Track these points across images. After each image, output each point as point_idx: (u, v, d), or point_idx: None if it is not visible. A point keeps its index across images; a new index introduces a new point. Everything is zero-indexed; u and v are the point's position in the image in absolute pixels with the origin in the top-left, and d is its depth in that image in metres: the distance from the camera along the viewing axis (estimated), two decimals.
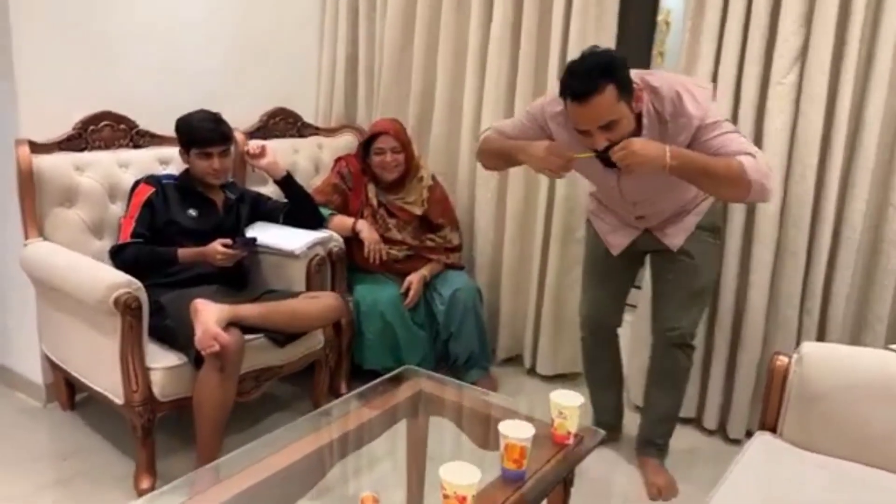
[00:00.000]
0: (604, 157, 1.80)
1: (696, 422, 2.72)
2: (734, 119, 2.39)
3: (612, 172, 1.93)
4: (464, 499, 1.31)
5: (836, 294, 2.35)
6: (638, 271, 2.36)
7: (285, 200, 2.70)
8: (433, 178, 2.94)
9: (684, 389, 2.32)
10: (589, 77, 1.67)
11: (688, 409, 2.68)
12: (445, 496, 1.32)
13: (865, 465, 1.66)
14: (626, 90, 1.72)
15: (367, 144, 2.81)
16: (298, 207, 2.66)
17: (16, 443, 2.36)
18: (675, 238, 2.08)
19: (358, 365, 2.75)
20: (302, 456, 1.70)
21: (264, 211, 2.66)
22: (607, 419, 2.43)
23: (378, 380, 2.03)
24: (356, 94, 3.39)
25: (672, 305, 2.15)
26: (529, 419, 1.82)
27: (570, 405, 1.65)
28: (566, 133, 1.90)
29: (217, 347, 1.99)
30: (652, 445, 2.33)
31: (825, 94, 2.25)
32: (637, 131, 1.80)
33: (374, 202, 2.82)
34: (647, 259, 2.32)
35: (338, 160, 2.95)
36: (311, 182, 3.05)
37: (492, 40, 2.90)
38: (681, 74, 2.30)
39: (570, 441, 1.67)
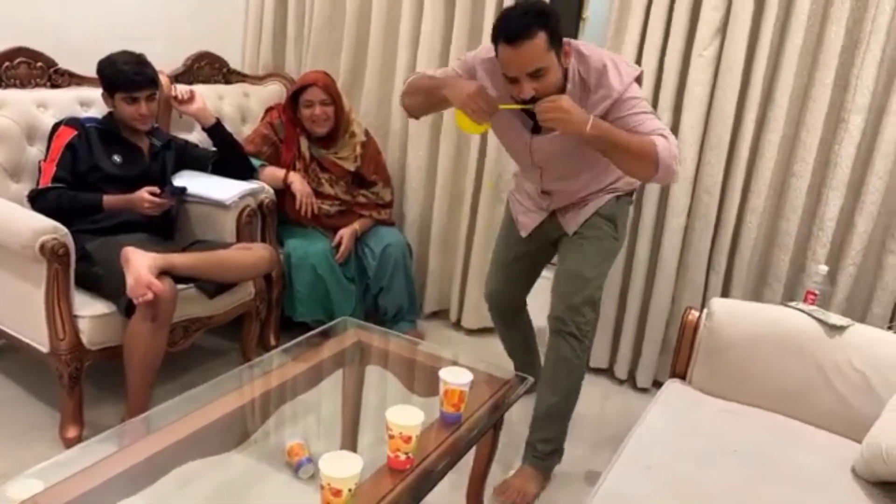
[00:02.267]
0: (529, 113, 1.83)
1: (607, 372, 2.91)
2: (657, 85, 2.53)
3: (527, 132, 1.96)
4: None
5: (740, 255, 2.56)
6: (544, 262, 2.32)
7: (213, 149, 2.65)
8: (366, 133, 2.94)
9: (571, 388, 2.10)
10: (522, 21, 1.69)
11: (600, 359, 2.88)
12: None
13: (764, 410, 1.85)
14: (557, 42, 1.75)
15: (295, 96, 2.77)
16: (228, 156, 2.61)
17: None
18: (572, 222, 2.09)
19: (288, 317, 2.76)
20: (235, 408, 1.71)
21: (192, 158, 2.59)
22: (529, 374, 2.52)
23: (312, 332, 2.05)
24: (285, 41, 3.32)
25: (557, 290, 2.07)
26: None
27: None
28: (492, 85, 1.92)
29: (150, 296, 1.96)
30: (530, 448, 2.13)
31: (741, 68, 2.40)
32: (560, 92, 1.84)
33: (307, 155, 2.80)
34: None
35: (268, 110, 2.90)
36: (240, 131, 2.99)
37: None
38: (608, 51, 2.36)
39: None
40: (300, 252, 2.70)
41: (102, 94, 2.33)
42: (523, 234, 2.20)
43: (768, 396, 1.85)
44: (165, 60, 2.82)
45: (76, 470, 1.42)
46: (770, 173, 2.46)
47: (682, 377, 2.00)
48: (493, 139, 2.81)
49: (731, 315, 1.93)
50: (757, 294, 2.60)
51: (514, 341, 2.49)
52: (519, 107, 1.83)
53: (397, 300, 2.90)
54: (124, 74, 2.28)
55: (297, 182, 2.70)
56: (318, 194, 2.78)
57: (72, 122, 2.32)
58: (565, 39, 1.81)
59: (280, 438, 1.87)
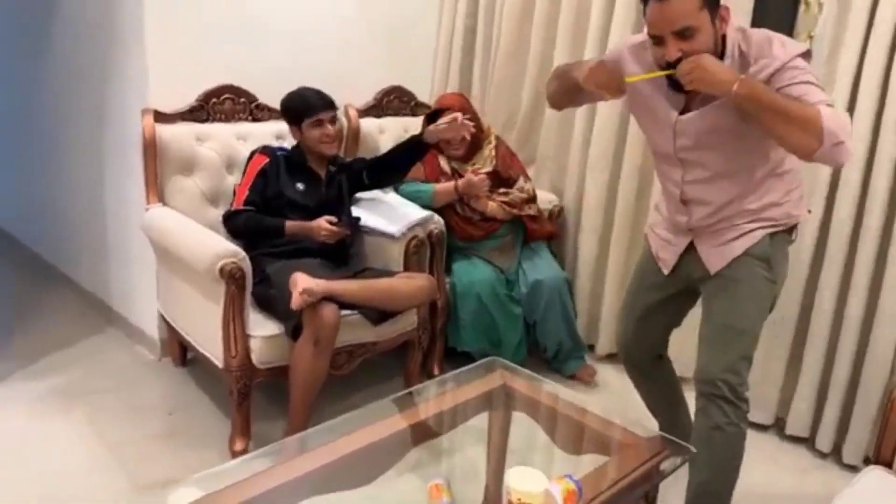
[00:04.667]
0: (675, 86, 1.65)
1: (808, 442, 2.52)
2: (882, 97, 2.20)
3: (673, 111, 1.73)
4: None
5: None
6: (685, 310, 2.03)
7: (370, 157, 2.73)
8: (497, 137, 2.93)
9: (729, 462, 1.80)
10: None
11: (800, 426, 2.50)
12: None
13: None
14: (712, 2, 1.58)
15: (431, 120, 2.77)
16: (393, 165, 2.65)
17: (131, 392, 2.55)
18: (716, 258, 1.80)
19: (453, 347, 2.75)
20: (381, 437, 1.71)
21: (355, 173, 2.65)
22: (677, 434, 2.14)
23: (465, 368, 2.01)
24: (471, 76, 3.36)
25: (703, 345, 1.81)
26: (607, 422, 1.75)
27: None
28: (639, 67, 1.76)
29: (306, 301, 2.03)
30: None
31: None
32: None
33: (448, 170, 2.82)
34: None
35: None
36: None
37: (615, 14, 2.77)
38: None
39: None
40: (465, 280, 2.68)
41: (291, 129, 2.50)
42: (665, 271, 1.92)
43: None
44: (359, 95, 2.99)
45: (230, 482, 1.50)
46: None
47: (888, 465, 1.65)
48: None
49: None
50: None
51: (655, 396, 2.18)
52: (652, 74, 1.66)
53: (554, 337, 2.79)
54: (310, 100, 2.44)
55: (467, 178, 2.69)
56: (472, 210, 2.75)
57: (266, 149, 2.51)
58: (724, 4, 1.62)
59: (422, 475, 1.84)
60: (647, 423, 2.03)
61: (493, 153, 2.86)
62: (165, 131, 2.45)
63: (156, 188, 2.46)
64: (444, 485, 1.78)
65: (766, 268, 1.77)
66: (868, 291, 2.29)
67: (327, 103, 2.45)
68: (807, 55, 1.61)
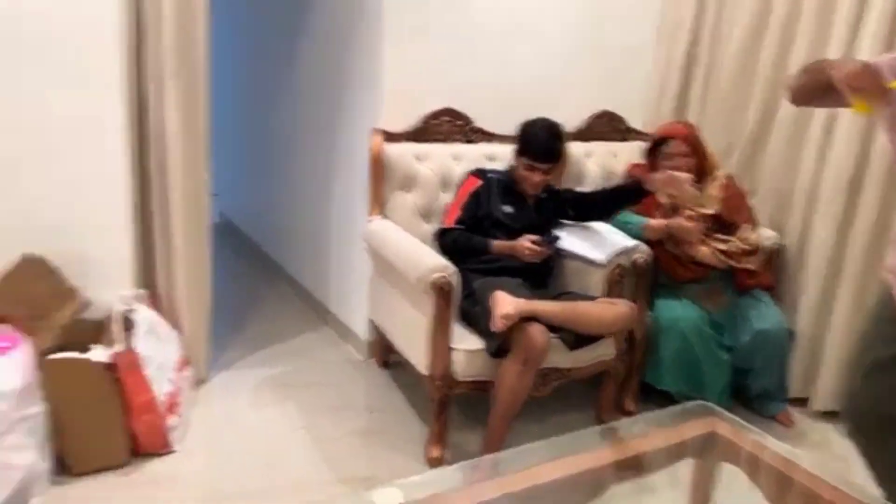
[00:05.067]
0: None
1: None
2: None
3: None
4: None
5: None
6: None
7: (580, 190, 2.73)
8: (727, 176, 2.74)
9: None
10: None
11: None
12: None
13: None
14: None
15: (654, 148, 2.68)
16: (605, 206, 2.63)
17: (336, 389, 2.75)
18: None
19: (649, 384, 2.65)
20: (579, 471, 1.68)
21: (561, 202, 2.66)
22: None
23: (670, 407, 1.93)
24: (687, 98, 3.23)
25: None
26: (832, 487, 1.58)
27: None
28: None
29: (502, 326, 2.07)
30: None
31: None
32: None
33: (667, 204, 2.69)
34: None
35: (632, 167, 2.88)
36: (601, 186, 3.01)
37: (863, 39, 2.52)
38: None
39: None
40: (670, 316, 2.57)
41: (514, 151, 2.54)
42: None
43: None
44: (569, 118, 2.99)
45: (430, 493, 1.55)
46: None
47: None
48: None
49: None
50: None
51: (882, 464, 1.87)
52: None
53: (765, 384, 2.64)
54: (537, 144, 2.47)
55: (679, 222, 2.58)
56: (695, 261, 2.62)
57: (479, 172, 2.60)
58: None
59: None
60: (870, 491, 1.81)
61: (720, 193, 2.71)
62: (391, 150, 2.63)
63: (379, 202, 2.64)
64: None
65: None
66: None
67: (550, 154, 2.47)
68: None
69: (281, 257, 3.86)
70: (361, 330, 2.95)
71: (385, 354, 2.86)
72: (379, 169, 2.62)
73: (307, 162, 3.43)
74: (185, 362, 2.50)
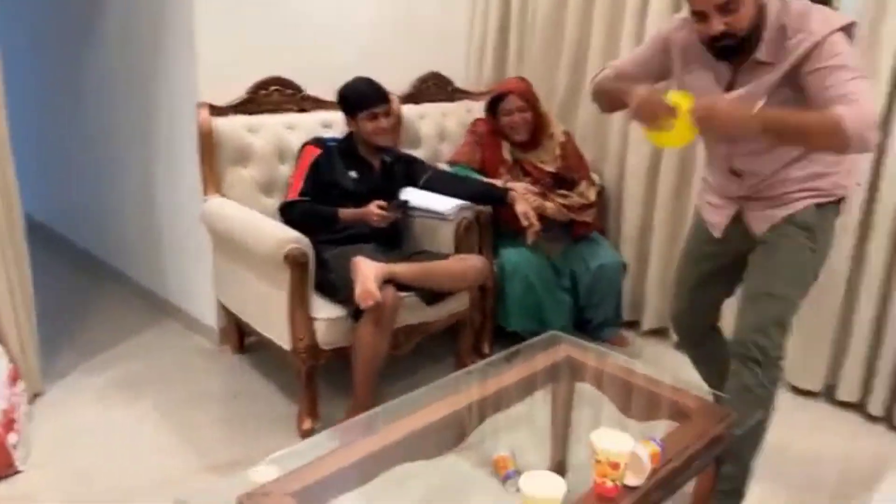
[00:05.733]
0: (716, 51, 1.67)
1: (858, 407, 2.56)
2: None
3: (720, 90, 1.74)
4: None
5: None
6: (736, 279, 1.98)
7: (435, 165, 2.77)
8: (565, 133, 2.93)
9: (755, 422, 1.79)
10: None
11: (850, 391, 2.54)
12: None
13: None
14: None
15: (493, 105, 2.82)
16: (458, 196, 2.65)
17: (191, 381, 2.62)
18: (761, 221, 1.83)
19: (502, 327, 2.80)
20: (447, 413, 1.75)
21: (413, 172, 2.72)
22: None
23: (524, 343, 2.06)
24: (506, 58, 3.39)
25: (740, 309, 1.85)
26: (676, 389, 1.80)
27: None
28: (687, 53, 1.79)
29: (372, 303, 2.10)
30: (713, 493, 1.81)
31: None
32: (755, 44, 1.66)
33: (509, 160, 2.85)
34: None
35: (475, 122, 3.00)
36: (438, 149, 3.15)
37: (651, 2, 2.80)
38: None
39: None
40: (514, 262, 2.73)
41: (346, 119, 2.55)
42: (717, 234, 1.94)
43: None
44: (397, 83, 3.03)
45: (306, 461, 1.54)
46: None
47: None
48: None
49: None
50: None
51: (707, 366, 2.19)
52: (675, 143, 1.68)
53: (604, 314, 2.91)
54: (365, 94, 2.49)
55: (521, 203, 2.65)
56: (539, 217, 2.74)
57: (316, 141, 2.57)
58: None
59: (489, 447, 1.90)
60: (700, 385, 2.08)
61: (559, 151, 2.88)
62: (220, 124, 2.52)
63: (213, 180, 2.53)
64: (510, 456, 1.85)
65: (808, 236, 1.78)
66: None
67: (381, 96, 2.50)
68: (849, 28, 1.62)
69: (106, 253, 3.57)
70: (209, 317, 2.84)
71: (239, 339, 2.77)
72: (209, 145, 2.50)
73: (124, 149, 3.18)
74: (16, 376, 2.27)
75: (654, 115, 1.67)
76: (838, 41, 1.59)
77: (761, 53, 1.67)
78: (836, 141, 1.54)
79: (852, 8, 2.38)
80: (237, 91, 2.62)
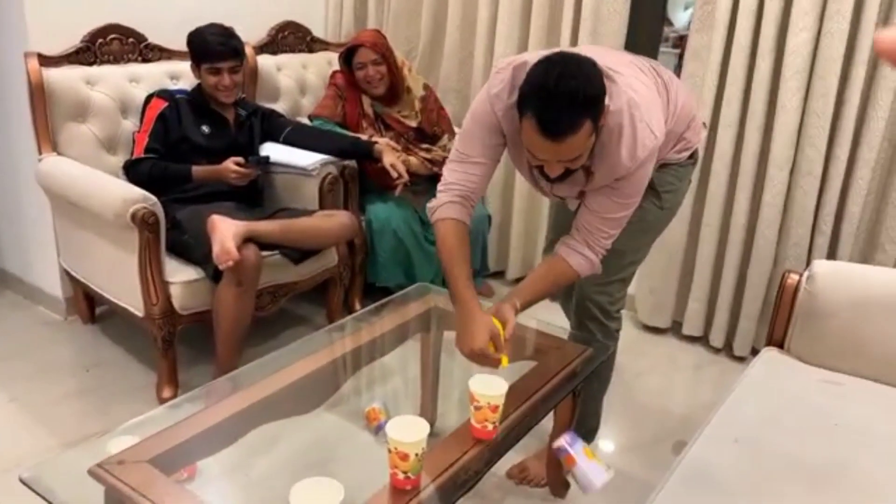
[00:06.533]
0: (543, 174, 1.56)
1: (702, 340, 2.78)
2: (757, 25, 2.36)
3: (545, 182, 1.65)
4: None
5: (849, 214, 2.36)
6: None
7: (296, 119, 2.67)
8: (425, 86, 2.91)
9: (597, 374, 1.86)
10: (568, 112, 1.36)
11: (694, 327, 2.74)
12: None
13: (872, 381, 1.70)
14: (598, 117, 1.43)
15: (347, 58, 2.76)
16: (323, 150, 2.58)
17: (38, 355, 2.44)
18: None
19: (371, 283, 2.79)
20: (316, 368, 1.73)
21: (273, 127, 2.63)
22: None
23: (392, 296, 2.06)
24: (367, 7, 3.31)
25: None
26: (535, 331, 1.87)
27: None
28: (514, 141, 1.60)
29: (232, 263, 2.02)
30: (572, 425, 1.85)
31: (851, 4, 2.19)
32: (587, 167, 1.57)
33: (371, 113, 2.81)
34: None
35: (333, 74, 2.92)
36: (298, 101, 3.05)
37: None
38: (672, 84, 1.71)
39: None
40: (381, 218, 2.71)
41: (191, 66, 2.39)
42: None
43: (876, 366, 1.70)
44: (252, 31, 2.88)
45: (166, 426, 1.48)
46: (884, 123, 2.23)
47: (780, 345, 1.86)
48: None
49: (835, 278, 1.78)
50: (867, 257, 2.40)
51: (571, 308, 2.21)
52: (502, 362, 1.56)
53: (472, 265, 2.90)
54: (209, 46, 2.33)
55: (388, 155, 2.60)
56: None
57: (163, 93, 2.39)
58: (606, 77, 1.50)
59: (360, 401, 1.90)
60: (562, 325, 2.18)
61: (420, 105, 2.84)
62: (53, 75, 2.29)
63: (48, 137, 2.30)
64: (381, 407, 1.85)
65: (653, 195, 1.76)
66: (749, 202, 2.51)
67: (229, 51, 2.34)
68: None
69: None
70: (54, 286, 2.62)
71: (89, 308, 2.59)
72: (41, 98, 2.27)
73: None
74: None
75: (486, 365, 1.55)
76: (640, 170, 1.54)
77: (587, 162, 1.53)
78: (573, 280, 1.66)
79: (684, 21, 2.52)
80: (72, 40, 2.39)
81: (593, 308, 1.85)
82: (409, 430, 1.22)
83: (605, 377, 2.01)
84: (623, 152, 1.49)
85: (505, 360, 1.52)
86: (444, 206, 1.66)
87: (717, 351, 2.73)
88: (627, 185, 1.56)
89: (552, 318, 2.24)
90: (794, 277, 1.84)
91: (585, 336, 1.87)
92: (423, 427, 1.23)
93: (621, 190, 1.57)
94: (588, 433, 2.03)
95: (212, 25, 2.37)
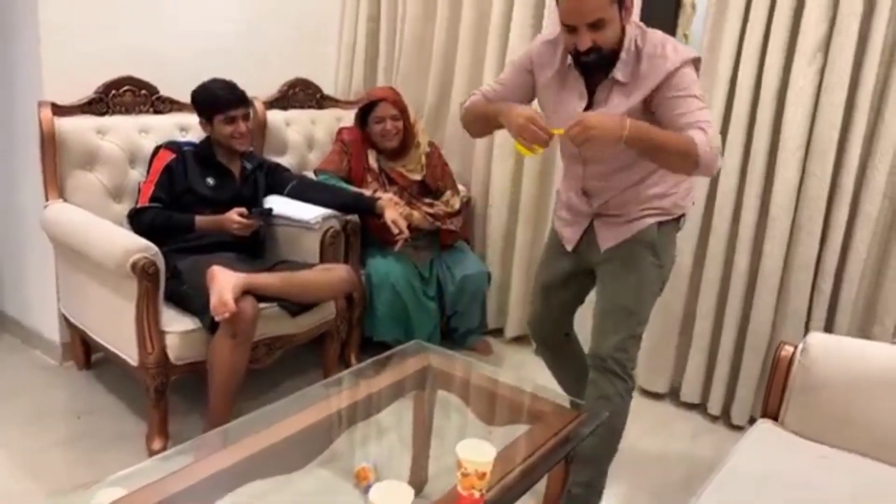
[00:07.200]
0: (580, 65, 1.78)
1: (700, 407, 2.75)
2: (757, 84, 2.42)
3: (580, 106, 1.84)
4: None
5: (847, 278, 2.37)
6: (587, 289, 2.12)
7: (301, 173, 2.72)
8: (430, 143, 2.98)
9: (612, 429, 1.93)
10: None
11: (692, 393, 2.72)
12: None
13: (864, 457, 1.68)
14: None
15: (364, 114, 2.82)
16: (325, 205, 2.61)
17: (31, 399, 2.43)
18: (609, 236, 1.94)
19: (369, 337, 2.79)
20: (308, 424, 1.72)
21: (276, 180, 2.67)
22: None
23: (387, 352, 2.06)
24: (376, 67, 3.40)
25: (596, 324, 1.96)
26: (532, 396, 1.87)
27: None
28: (550, 71, 1.87)
29: (228, 315, 2.02)
30: (567, 493, 1.90)
31: (851, 62, 2.25)
32: (612, 63, 1.77)
33: (375, 167, 2.86)
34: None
35: (339, 130, 2.98)
36: (306, 156, 3.12)
37: (514, 16, 2.90)
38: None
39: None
40: (381, 272, 2.72)
41: (200, 122, 2.45)
42: (569, 247, 2.04)
43: (871, 443, 1.68)
44: (263, 87, 2.96)
45: (155, 479, 1.46)
46: (884, 182, 2.28)
47: (775, 418, 1.85)
48: None
49: (829, 352, 1.78)
50: (864, 330, 2.40)
51: (563, 370, 2.29)
52: (557, 131, 1.71)
53: (469, 322, 2.97)
54: (220, 97, 2.39)
55: (391, 210, 2.62)
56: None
57: (171, 145, 2.45)
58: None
59: (349, 460, 1.87)
60: (558, 392, 2.17)
61: (425, 161, 2.91)
62: (64, 124, 2.35)
63: (55, 184, 2.35)
64: (371, 467, 1.83)
65: (652, 253, 1.91)
66: (748, 266, 2.53)
67: (239, 99, 2.41)
68: (697, 62, 1.77)
69: None
70: (51, 331, 2.63)
71: (85, 354, 2.58)
72: (51, 147, 2.32)
73: None
74: None
75: (535, 139, 1.70)
76: (689, 72, 1.73)
77: (619, 73, 1.76)
78: (688, 162, 1.67)
79: (696, 41, 2.59)
80: (86, 91, 2.46)
81: (612, 364, 1.89)
82: (392, 498, 1.21)
83: (615, 439, 1.99)
84: (668, 50, 1.73)
85: (558, 130, 1.68)
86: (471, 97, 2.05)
87: (714, 419, 2.70)
88: (681, 80, 1.72)
89: (547, 382, 2.25)
90: (788, 349, 1.84)
91: (603, 392, 1.88)
92: (407, 495, 1.22)
93: (678, 85, 1.72)
94: (592, 499, 2.00)
95: (214, 80, 2.44)
